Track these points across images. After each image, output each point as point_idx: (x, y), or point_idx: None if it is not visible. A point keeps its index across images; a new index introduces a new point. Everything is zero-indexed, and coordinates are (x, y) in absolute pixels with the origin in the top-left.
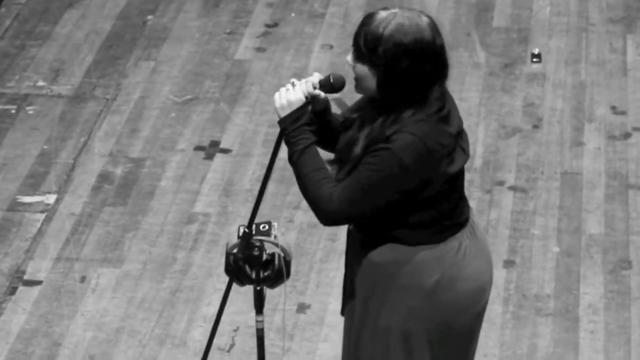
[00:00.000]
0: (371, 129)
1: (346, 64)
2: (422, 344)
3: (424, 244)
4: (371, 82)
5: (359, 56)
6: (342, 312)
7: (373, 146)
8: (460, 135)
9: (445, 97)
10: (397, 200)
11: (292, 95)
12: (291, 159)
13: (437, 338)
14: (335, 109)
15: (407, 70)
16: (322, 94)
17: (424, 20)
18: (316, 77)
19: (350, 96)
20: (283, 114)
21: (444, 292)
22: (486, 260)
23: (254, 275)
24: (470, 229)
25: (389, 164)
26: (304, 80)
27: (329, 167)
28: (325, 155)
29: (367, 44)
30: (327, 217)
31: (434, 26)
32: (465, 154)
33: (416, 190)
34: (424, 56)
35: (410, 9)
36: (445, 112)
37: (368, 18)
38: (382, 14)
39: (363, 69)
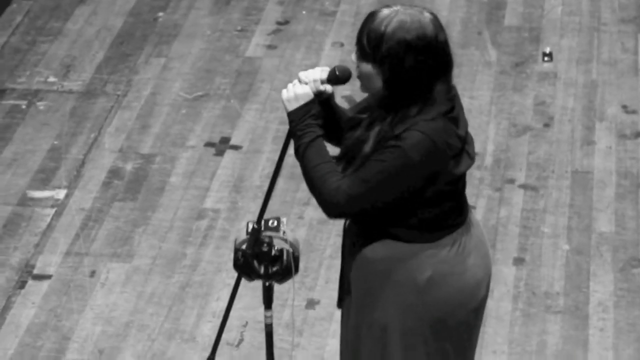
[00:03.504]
0: (380, 127)
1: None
2: (418, 340)
3: (420, 242)
4: (376, 80)
5: (363, 55)
6: (339, 305)
7: (383, 143)
8: (466, 138)
9: (455, 99)
10: (401, 198)
11: (299, 89)
12: (297, 152)
13: (433, 334)
14: (344, 106)
15: (411, 66)
16: (329, 89)
17: (426, 16)
18: (324, 72)
19: (360, 93)
20: (290, 107)
21: (437, 288)
22: (482, 256)
23: (262, 271)
24: (466, 226)
25: (397, 160)
26: (311, 78)
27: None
28: (332, 150)
29: (370, 42)
30: (332, 210)
31: (436, 22)
32: (471, 158)
33: (420, 188)
34: (428, 52)
35: (413, 6)
36: (455, 114)
37: (370, 17)
38: (384, 11)
39: (367, 67)
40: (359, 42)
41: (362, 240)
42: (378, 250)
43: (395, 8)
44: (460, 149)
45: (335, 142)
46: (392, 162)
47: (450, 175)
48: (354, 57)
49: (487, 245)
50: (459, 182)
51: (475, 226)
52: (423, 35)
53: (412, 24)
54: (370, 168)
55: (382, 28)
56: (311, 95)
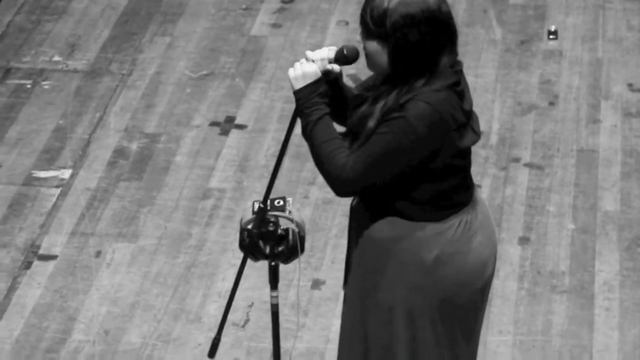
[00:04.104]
0: (385, 101)
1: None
2: (425, 320)
3: (427, 221)
4: (382, 57)
5: (367, 33)
6: (344, 288)
7: (386, 116)
8: (471, 114)
9: (460, 73)
10: (409, 170)
11: (307, 67)
12: (305, 130)
13: (439, 314)
14: (350, 85)
15: (415, 40)
16: (337, 68)
17: None
18: (331, 52)
19: (365, 72)
20: (298, 85)
21: (444, 267)
22: (488, 235)
23: (267, 251)
24: (472, 205)
25: (402, 131)
26: (318, 57)
27: None
28: (339, 129)
29: (374, 19)
30: (341, 187)
31: None
32: (476, 134)
33: (426, 161)
34: (431, 25)
35: None
36: (461, 89)
37: None
38: None
39: (373, 44)
40: (363, 20)
41: (369, 219)
42: (384, 230)
43: None
44: (464, 122)
45: (342, 121)
46: (397, 133)
47: (454, 147)
48: (359, 37)
49: (493, 224)
50: (465, 158)
51: (481, 205)
52: (426, 8)
53: None
54: (376, 141)
55: (385, 3)
56: (319, 74)
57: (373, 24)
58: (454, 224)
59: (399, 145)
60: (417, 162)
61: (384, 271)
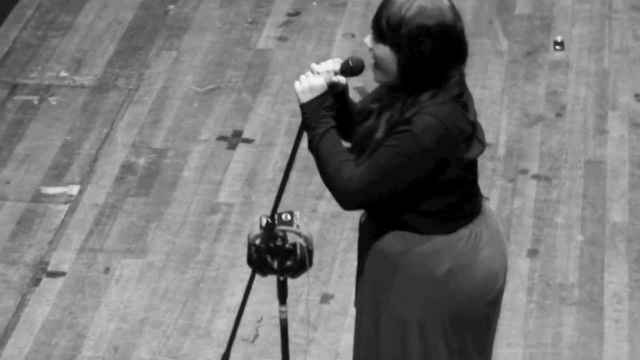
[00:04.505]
0: (391, 113)
1: (367, 50)
2: (437, 334)
3: (436, 234)
4: (391, 63)
5: (379, 37)
6: (356, 305)
7: (393, 129)
8: (475, 125)
9: (464, 84)
10: (416, 183)
11: (313, 80)
12: (311, 143)
13: (451, 327)
14: (356, 97)
15: (428, 52)
16: (343, 80)
17: (445, 3)
18: (337, 64)
19: (372, 85)
20: (304, 98)
21: (455, 280)
22: (498, 247)
23: (276, 266)
24: (481, 217)
25: (409, 145)
26: (324, 70)
27: None
28: (345, 144)
29: (390, 24)
30: (348, 200)
31: (454, 9)
32: (482, 144)
33: (433, 173)
34: (446, 39)
35: None
36: (465, 99)
37: (388, 1)
38: None
39: (384, 49)
40: (377, 23)
41: (377, 234)
42: (394, 244)
43: None
44: (470, 133)
45: (347, 137)
46: (403, 146)
47: (461, 160)
48: (368, 39)
49: (502, 236)
50: (472, 169)
51: (490, 216)
52: (442, 22)
53: (433, 10)
54: (382, 154)
55: (403, 11)
56: (325, 87)
57: (388, 29)
58: (464, 236)
59: (405, 158)
60: (424, 175)
61: (394, 285)
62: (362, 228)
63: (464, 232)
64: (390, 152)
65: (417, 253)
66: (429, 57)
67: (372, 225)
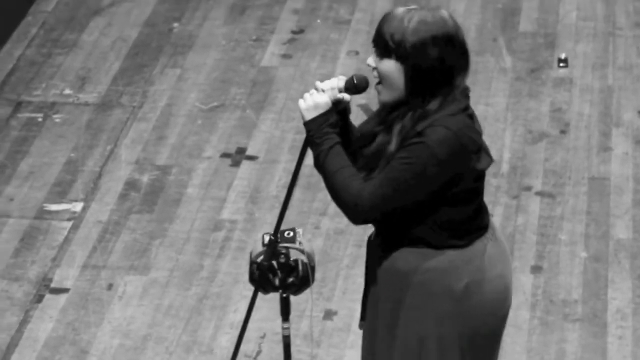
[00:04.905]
0: (402, 125)
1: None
2: (454, 350)
3: (451, 248)
4: (398, 76)
5: (384, 52)
6: (361, 326)
7: (405, 142)
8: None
9: (468, 98)
10: (429, 196)
11: (318, 97)
12: (317, 159)
13: (467, 342)
14: (360, 115)
15: (434, 61)
16: (347, 97)
17: (444, 12)
18: (341, 81)
19: (376, 103)
20: (309, 116)
21: (472, 295)
22: (507, 263)
23: (278, 282)
24: (492, 231)
25: (422, 157)
26: (329, 87)
27: None
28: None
29: (394, 38)
30: (358, 214)
31: (453, 18)
32: (489, 157)
33: (447, 186)
34: (449, 46)
35: (427, 7)
36: (471, 112)
37: (388, 15)
38: (401, 10)
39: (389, 64)
40: (380, 39)
41: (390, 252)
42: (409, 261)
43: (410, 7)
44: (480, 145)
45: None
46: (417, 159)
47: (475, 170)
48: (371, 59)
49: (508, 251)
50: (481, 181)
51: (497, 231)
52: (446, 30)
53: (434, 19)
54: (395, 167)
55: (405, 23)
56: (329, 104)
57: (392, 42)
58: (478, 251)
59: (417, 170)
60: (438, 187)
61: (411, 302)
62: (371, 246)
63: (478, 246)
64: (403, 164)
65: (435, 270)
66: (435, 65)
67: (383, 243)
